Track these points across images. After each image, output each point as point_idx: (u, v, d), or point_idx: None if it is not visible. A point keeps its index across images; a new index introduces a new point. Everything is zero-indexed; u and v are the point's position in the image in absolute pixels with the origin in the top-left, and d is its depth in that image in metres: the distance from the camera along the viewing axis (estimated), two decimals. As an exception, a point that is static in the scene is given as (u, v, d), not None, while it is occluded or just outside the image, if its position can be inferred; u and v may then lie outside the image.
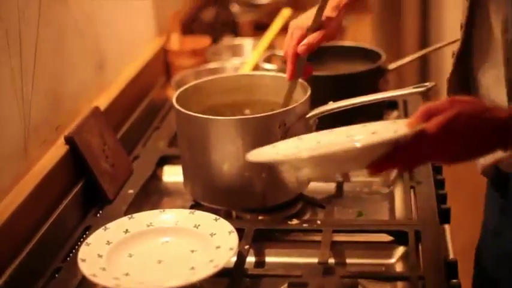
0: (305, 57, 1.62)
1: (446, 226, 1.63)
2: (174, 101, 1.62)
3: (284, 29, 2.34)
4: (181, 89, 1.69)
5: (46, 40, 1.64)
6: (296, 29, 1.63)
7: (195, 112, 1.58)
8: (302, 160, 1.28)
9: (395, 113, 2.13)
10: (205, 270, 1.35)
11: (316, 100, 1.63)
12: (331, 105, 1.61)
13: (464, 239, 1.86)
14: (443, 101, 1.21)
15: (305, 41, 1.60)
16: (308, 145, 1.41)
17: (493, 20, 1.41)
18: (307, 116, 1.60)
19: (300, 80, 1.65)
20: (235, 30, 2.68)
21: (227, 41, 2.56)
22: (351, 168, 1.46)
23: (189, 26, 2.69)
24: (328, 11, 1.61)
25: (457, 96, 1.27)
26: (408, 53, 2.21)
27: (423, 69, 4.28)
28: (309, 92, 1.62)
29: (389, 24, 4.18)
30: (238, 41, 2.54)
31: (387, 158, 1.19)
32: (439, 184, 1.72)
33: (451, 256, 1.51)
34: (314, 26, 1.61)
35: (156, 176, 1.87)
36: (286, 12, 2.35)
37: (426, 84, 1.54)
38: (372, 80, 1.95)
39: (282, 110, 1.56)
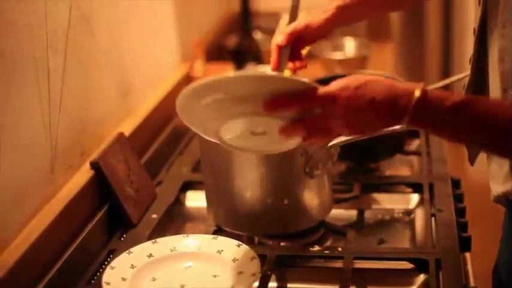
0: (288, 48, 1.63)
1: (467, 254, 1.63)
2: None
3: (310, 58, 2.37)
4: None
5: (73, 68, 1.67)
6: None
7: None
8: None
9: (417, 142, 2.14)
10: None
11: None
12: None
13: (484, 267, 1.86)
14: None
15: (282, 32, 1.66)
16: None
17: (491, 50, 1.42)
18: (329, 145, 1.61)
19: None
20: (258, 58, 2.70)
21: (250, 68, 2.58)
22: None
23: (213, 53, 2.72)
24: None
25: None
26: (430, 82, 2.23)
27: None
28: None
29: (411, 52, 4.19)
30: (261, 68, 2.56)
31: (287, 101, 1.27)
32: (460, 212, 1.73)
33: (472, 284, 1.52)
34: (291, 23, 1.65)
35: (179, 201, 1.89)
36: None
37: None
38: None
39: (304, 138, 1.58)
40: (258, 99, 1.26)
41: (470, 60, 1.52)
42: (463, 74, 1.83)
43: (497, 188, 1.49)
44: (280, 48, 1.62)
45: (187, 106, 1.33)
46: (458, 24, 4.12)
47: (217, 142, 1.40)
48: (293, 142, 1.37)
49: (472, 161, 1.57)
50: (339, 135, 1.40)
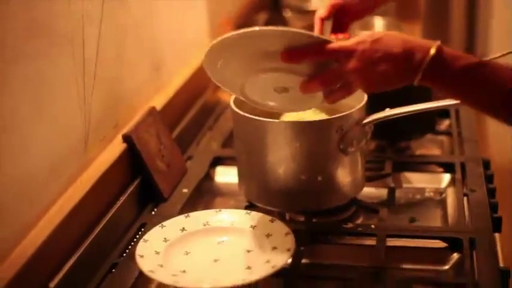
0: (330, 20, 1.66)
1: (497, 235, 1.63)
2: (231, 103, 1.64)
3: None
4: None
5: (107, 40, 1.67)
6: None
7: (250, 115, 1.60)
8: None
9: (447, 122, 2.13)
10: (263, 271, 1.36)
11: (372, 106, 1.64)
12: (387, 112, 1.62)
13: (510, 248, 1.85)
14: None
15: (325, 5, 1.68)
16: None
17: None
18: (364, 122, 1.60)
19: None
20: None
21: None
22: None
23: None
24: None
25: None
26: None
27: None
28: (365, 98, 1.63)
29: (436, 33, 4.17)
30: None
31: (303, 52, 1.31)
32: (491, 193, 1.72)
33: (501, 265, 1.51)
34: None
35: (209, 176, 1.90)
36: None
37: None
38: (426, 88, 1.94)
39: (339, 115, 1.57)
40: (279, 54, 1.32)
41: None
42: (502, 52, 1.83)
43: None
44: (323, 20, 1.64)
45: (213, 61, 1.38)
46: (483, 4, 4.10)
47: (241, 98, 1.47)
48: (314, 102, 1.44)
49: None
50: (355, 90, 1.41)
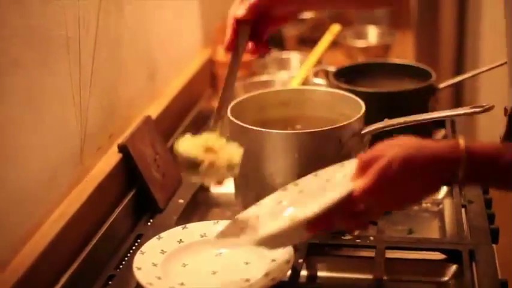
0: (248, 24, 1.45)
1: (494, 246, 1.62)
2: (228, 112, 1.63)
3: (332, 45, 2.36)
4: (236, 101, 1.69)
5: (103, 48, 1.66)
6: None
7: (248, 125, 1.59)
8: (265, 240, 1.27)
9: (442, 131, 2.12)
10: (262, 283, 1.35)
11: (368, 116, 1.64)
12: (386, 123, 1.61)
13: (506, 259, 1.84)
14: (380, 146, 1.19)
15: (243, 5, 1.46)
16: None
17: None
18: (362, 132, 1.59)
19: (353, 96, 1.65)
20: (281, 44, 2.68)
21: (274, 54, 2.56)
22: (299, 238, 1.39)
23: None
24: None
25: (391, 140, 1.22)
26: (444, 73, 2.21)
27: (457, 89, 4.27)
28: (363, 109, 1.62)
29: (427, 43, 4.17)
30: (284, 54, 2.55)
31: (327, 219, 1.18)
32: (487, 204, 1.71)
33: (499, 276, 1.50)
34: None
35: (205, 187, 1.88)
36: (335, 28, 2.35)
37: (483, 104, 1.54)
38: (424, 98, 1.94)
39: (337, 125, 1.56)
40: None
41: (505, 111, 1.47)
42: (497, 63, 1.83)
43: None
44: (239, 22, 1.43)
45: None
46: (472, 14, 4.11)
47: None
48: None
49: None
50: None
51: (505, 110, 1.48)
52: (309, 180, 1.42)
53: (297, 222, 1.19)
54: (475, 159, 1.14)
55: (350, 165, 1.30)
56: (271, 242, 1.27)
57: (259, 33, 1.47)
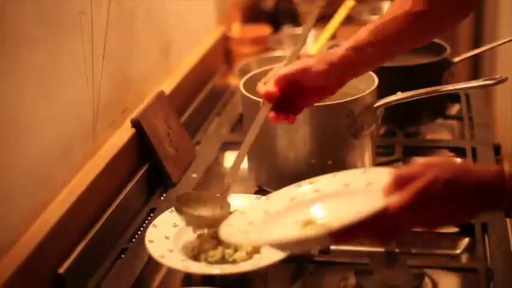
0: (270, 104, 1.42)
1: (508, 220, 1.61)
2: (241, 87, 1.63)
3: (346, 20, 2.35)
4: (248, 75, 1.69)
5: (116, 24, 1.66)
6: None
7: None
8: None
9: (457, 106, 2.12)
10: (273, 256, 1.35)
11: (382, 90, 1.63)
12: (399, 96, 1.61)
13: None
14: (417, 165, 1.14)
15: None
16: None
17: None
18: (375, 105, 1.59)
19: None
20: (295, 20, 2.67)
21: (288, 30, 2.56)
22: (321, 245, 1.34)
23: (250, 15, 2.70)
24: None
25: (432, 160, 1.19)
26: (463, 45, 2.19)
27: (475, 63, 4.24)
28: (376, 82, 1.61)
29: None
30: (299, 30, 2.54)
31: (356, 232, 1.10)
32: (502, 178, 1.70)
33: (512, 250, 1.50)
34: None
35: (218, 161, 1.88)
36: (349, 3, 2.34)
37: (497, 76, 1.53)
38: (438, 72, 1.93)
39: (350, 99, 1.56)
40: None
41: None
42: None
43: None
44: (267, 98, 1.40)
45: None
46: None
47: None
48: None
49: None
50: None
51: None
52: (326, 181, 1.32)
53: (324, 232, 1.10)
54: None
55: (374, 174, 1.24)
56: (289, 246, 1.19)
57: (294, 105, 1.42)
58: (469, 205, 1.10)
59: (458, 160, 1.14)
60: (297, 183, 1.35)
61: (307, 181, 1.34)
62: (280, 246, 1.19)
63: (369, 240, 1.13)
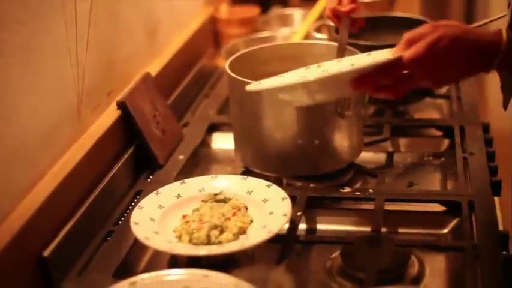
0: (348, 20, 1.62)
1: (496, 199, 1.61)
2: (227, 67, 1.62)
3: None
4: (234, 56, 1.68)
5: (100, 4, 1.64)
6: None
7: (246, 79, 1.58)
8: (301, 84, 1.32)
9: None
10: (259, 236, 1.35)
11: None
12: (385, 74, 1.59)
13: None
14: (426, 26, 1.27)
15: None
16: (314, 72, 1.45)
17: None
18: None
19: (354, 50, 1.63)
20: (284, 1, 2.66)
21: (276, 11, 2.54)
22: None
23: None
24: None
25: (439, 21, 1.30)
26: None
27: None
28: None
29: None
30: (287, 11, 2.53)
31: (373, 78, 1.28)
32: (490, 156, 1.70)
33: (500, 228, 1.49)
34: None
35: (205, 143, 1.88)
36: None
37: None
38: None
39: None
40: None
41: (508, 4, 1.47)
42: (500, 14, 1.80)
43: None
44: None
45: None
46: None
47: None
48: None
49: (506, 105, 1.53)
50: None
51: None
52: (333, 64, 1.46)
53: (349, 71, 1.28)
54: None
55: (378, 54, 1.38)
56: (316, 86, 1.30)
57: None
58: (469, 60, 1.26)
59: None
60: (306, 66, 1.50)
61: (315, 65, 1.49)
62: (307, 84, 1.30)
63: (385, 88, 1.31)
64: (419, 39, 1.25)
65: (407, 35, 1.27)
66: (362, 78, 1.27)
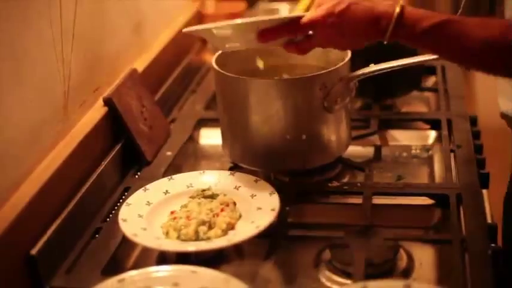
0: None
1: (485, 191, 1.61)
2: (213, 62, 1.61)
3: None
4: (220, 51, 1.67)
5: (86, 2, 1.63)
6: None
7: (233, 74, 1.57)
8: (222, 27, 1.47)
9: (433, 78, 2.11)
10: (247, 231, 1.35)
11: (356, 63, 1.62)
12: (372, 68, 1.60)
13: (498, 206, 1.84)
14: None
15: None
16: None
17: None
18: (348, 78, 1.58)
19: None
20: (270, -5, 2.66)
21: (263, 5, 2.54)
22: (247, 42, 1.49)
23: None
24: None
25: None
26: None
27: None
28: (349, 54, 1.60)
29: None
30: (274, 5, 2.52)
31: (277, 32, 1.42)
32: (478, 149, 1.70)
33: (489, 221, 1.49)
34: None
35: (193, 139, 1.87)
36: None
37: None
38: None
39: (322, 72, 1.55)
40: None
41: None
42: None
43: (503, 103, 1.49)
44: None
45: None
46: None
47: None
48: None
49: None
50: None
51: None
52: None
53: (250, 22, 1.43)
54: (406, 18, 1.32)
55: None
56: (229, 31, 1.47)
57: None
58: (364, 27, 1.35)
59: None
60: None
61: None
62: (219, 28, 1.48)
63: (292, 45, 1.44)
64: (324, 2, 1.37)
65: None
66: (268, 30, 1.41)
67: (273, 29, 1.42)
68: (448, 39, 1.31)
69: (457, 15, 1.49)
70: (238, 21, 1.48)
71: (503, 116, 1.56)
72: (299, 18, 1.40)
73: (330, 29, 1.37)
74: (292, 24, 1.40)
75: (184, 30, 1.53)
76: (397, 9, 1.32)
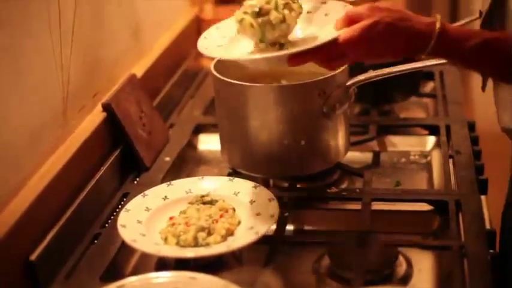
0: None
1: (483, 197, 1.61)
2: (212, 68, 1.61)
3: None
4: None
5: (85, 6, 1.63)
6: None
7: (231, 79, 1.57)
8: (256, 61, 1.48)
9: (431, 84, 2.11)
10: (246, 237, 1.35)
11: (355, 69, 1.62)
12: (370, 74, 1.60)
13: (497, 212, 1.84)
14: (367, 7, 1.33)
15: None
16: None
17: None
18: (347, 84, 1.58)
19: None
20: (268, 0, 2.65)
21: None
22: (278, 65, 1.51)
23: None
24: None
25: (378, 4, 1.35)
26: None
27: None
28: (348, 61, 1.60)
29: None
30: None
31: (309, 56, 1.37)
32: (476, 155, 1.71)
33: (488, 227, 1.50)
34: None
35: (192, 144, 1.87)
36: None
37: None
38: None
39: (321, 78, 1.55)
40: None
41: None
42: (470, 17, 1.80)
43: (505, 118, 1.48)
44: None
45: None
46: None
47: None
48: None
49: (484, 87, 1.55)
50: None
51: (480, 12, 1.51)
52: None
53: (283, 55, 1.37)
54: (446, 36, 1.29)
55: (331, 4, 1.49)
56: (257, 62, 1.48)
57: None
58: (403, 47, 1.32)
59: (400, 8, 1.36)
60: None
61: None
62: (249, 62, 1.51)
63: (319, 64, 1.39)
64: (358, 19, 1.32)
65: (349, 12, 1.35)
66: (299, 55, 1.36)
67: (304, 53, 1.36)
68: (497, 57, 1.30)
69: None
70: (274, 54, 1.41)
71: (505, 130, 1.54)
72: (333, 39, 1.33)
73: (366, 50, 1.33)
74: (325, 47, 1.34)
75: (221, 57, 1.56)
76: (438, 25, 1.29)
